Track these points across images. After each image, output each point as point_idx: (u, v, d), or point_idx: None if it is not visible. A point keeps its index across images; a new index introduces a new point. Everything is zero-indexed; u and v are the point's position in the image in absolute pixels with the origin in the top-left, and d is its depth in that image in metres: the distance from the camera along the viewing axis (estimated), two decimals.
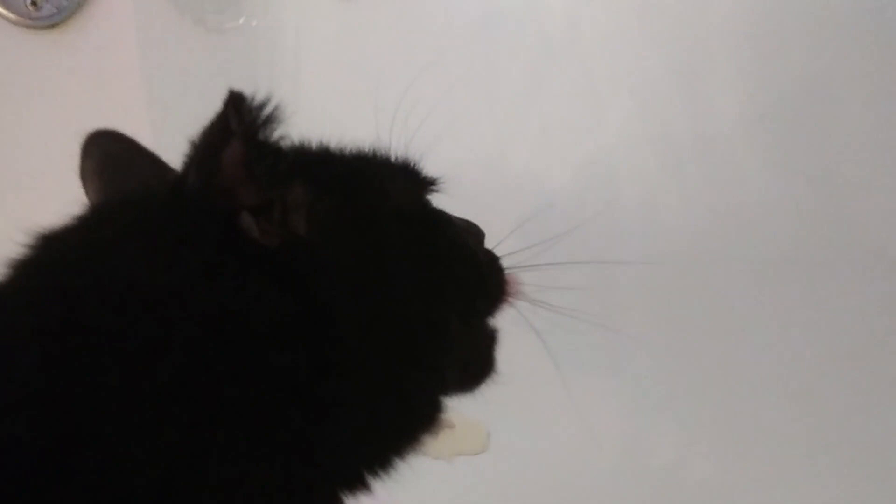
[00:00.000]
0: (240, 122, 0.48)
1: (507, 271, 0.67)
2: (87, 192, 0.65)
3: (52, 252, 0.52)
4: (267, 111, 0.50)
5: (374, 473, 0.56)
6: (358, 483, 0.56)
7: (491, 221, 0.68)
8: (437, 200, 0.65)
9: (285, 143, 0.53)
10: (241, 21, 1.24)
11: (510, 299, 0.66)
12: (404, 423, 0.58)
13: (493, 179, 1.08)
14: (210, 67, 1.24)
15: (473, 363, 0.66)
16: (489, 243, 0.68)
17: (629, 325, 0.94)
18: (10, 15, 1.26)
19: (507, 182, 1.08)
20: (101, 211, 0.58)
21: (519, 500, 1.11)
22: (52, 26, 1.26)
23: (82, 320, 0.47)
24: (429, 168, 0.64)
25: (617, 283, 0.94)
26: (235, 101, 0.48)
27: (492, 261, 0.67)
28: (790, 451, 0.97)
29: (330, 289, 0.52)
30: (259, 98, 0.49)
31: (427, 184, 0.65)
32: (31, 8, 1.26)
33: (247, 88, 0.50)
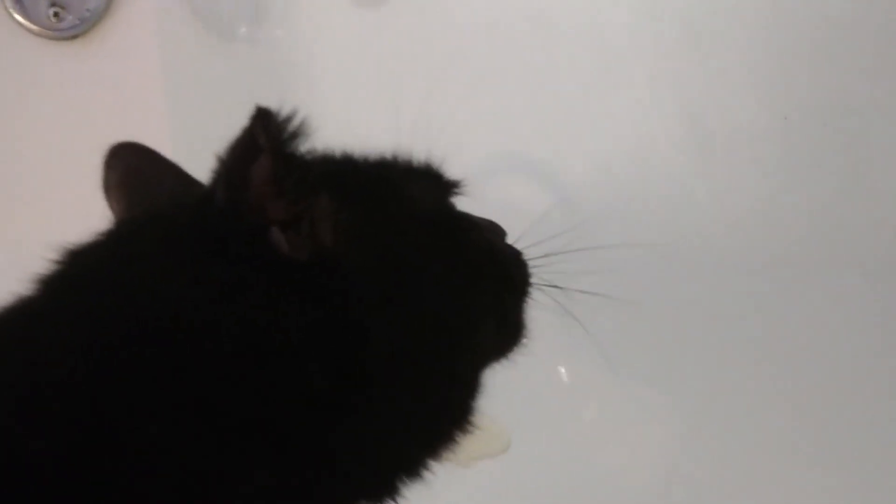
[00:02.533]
0: (267, 137, 0.48)
1: (531, 263, 0.67)
2: (110, 205, 0.65)
3: (80, 268, 0.52)
4: (294, 125, 0.50)
5: (408, 479, 0.57)
6: (388, 491, 0.56)
7: (513, 216, 0.68)
8: (459, 200, 0.66)
9: (311, 156, 0.53)
10: (263, 31, 1.26)
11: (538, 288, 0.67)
12: (439, 429, 0.58)
13: (513, 175, 1.10)
14: (232, 77, 1.25)
15: (505, 335, 0.66)
16: (511, 238, 0.68)
17: (653, 309, 0.94)
18: (32, 26, 1.25)
19: (528, 176, 1.09)
20: (129, 227, 0.58)
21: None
22: (74, 37, 1.26)
23: (111, 337, 0.46)
24: (450, 171, 0.65)
25: (638, 267, 0.94)
26: (263, 117, 0.48)
27: (515, 256, 0.67)
28: (797, 450, 0.98)
29: (360, 299, 0.52)
30: (285, 112, 0.49)
31: (450, 187, 0.65)
32: (52, 19, 1.26)
33: (271, 101, 0.49)
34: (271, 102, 0.50)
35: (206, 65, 1.26)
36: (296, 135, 0.50)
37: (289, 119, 0.50)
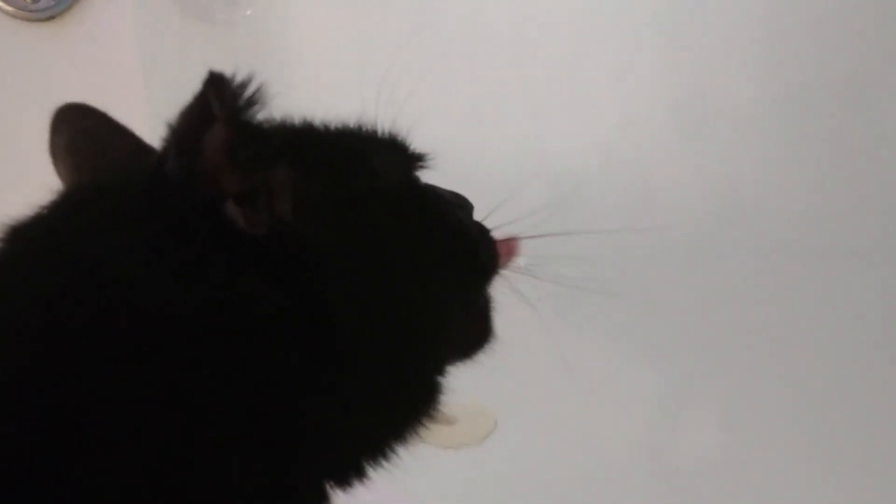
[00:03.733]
0: (222, 104, 0.45)
1: (499, 242, 0.64)
2: (57, 170, 0.61)
3: (23, 246, 0.49)
4: (249, 92, 0.46)
5: (374, 462, 0.54)
6: (355, 473, 0.53)
7: (483, 193, 0.65)
8: (426, 173, 0.62)
9: (268, 124, 0.49)
10: (240, 13, 1.23)
11: (504, 270, 0.64)
12: (404, 409, 0.56)
13: (485, 150, 1.07)
14: (208, 59, 1.23)
15: (472, 331, 0.63)
16: (479, 214, 0.65)
17: (628, 296, 0.92)
18: (8, 7, 1.22)
19: (499, 152, 1.07)
20: (73, 199, 0.54)
21: (523, 488, 1.11)
22: (50, 18, 1.24)
23: (58, 321, 0.44)
24: (417, 142, 0.61)
25: (612, 252, 0.92)
26: (216, 83, 0.45)
27: (482, 233, 0.64)
28: (791, 432, 0.97)
29: (321, 276, 0.49)
30: (241, 78, 0.46)
31: (415, 159, 0.61)
32: (28, 0, 1.26)
33: (228, 69, 0.46)
34: (227, 70, 0.47)
35: (183, 46, 1.23)
36: (252, 102, 0.47)
37: (244, 85, 0.46)
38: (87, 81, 1.24)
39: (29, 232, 0.50)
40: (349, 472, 0.53)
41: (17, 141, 1.23)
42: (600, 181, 0.99)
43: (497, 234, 0.64)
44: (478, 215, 0.65)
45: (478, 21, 1.10)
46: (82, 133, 0.61)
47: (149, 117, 1.22)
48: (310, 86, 1.18)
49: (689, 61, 0.99)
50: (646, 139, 1.00)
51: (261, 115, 0.48)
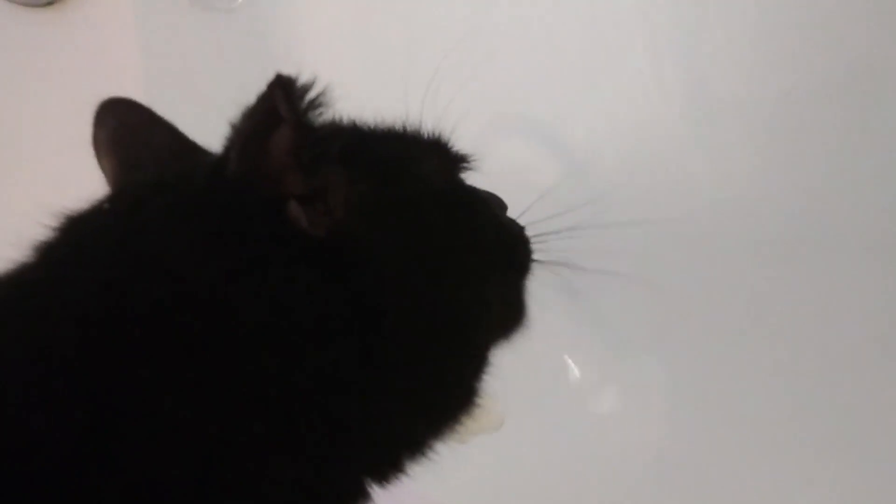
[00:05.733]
0: (290, 107, 0.45)
1: (533, 239, 0.64)
2: (101, 164, 0.60)
3: (82, 237, 0.49)
4: (313, 95, 0.47)
5: (413, 459, 0.54)
6: (394, 469, 0.53)
7: (516, 190, 0.65)
8: (469, 174, 0.62)
9: (328, 127, 0.49)
10: (240, 0, 1.22)
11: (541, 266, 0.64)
12: (446, 408, 0.56)
13: (515, 150, 1.07)
14: (208, 47, 1.20)
15: (507, 318, 0.63)
16: (513, 213, 0.65)
17: (655, 286, 0.93)
18: None
19: (530, 152, 1.07)
20: (131, 194, 0.54)
21: (531, 480, 1.11)
22: (49, 4, 1.21)
23: (118, 311, 0.43)
24: (459, 144, 0.61)
25: (644, 245, 0.93)
26: (283, 85, 0.45)
27: (518, 231, 0.64)
28: (801, 428, 0.98)
29: (373, 276, 0.49)
30: (304, 80, 0.46)
31: (459, 161, 0.61)
32: None
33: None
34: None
35: (183, 33, 1.20)
36: (316, 104, 0.47)
37: (308, 87, 0.47)
38: (86, 68, 1.22)
39: (87, 224, 0.49)
40: (389, 469, 0.53)
41: (16, 127, 1.21)
42: (619, 175, 0.99)
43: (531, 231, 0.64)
44: (512, 212, 0.65)
45: (490, 22, 1.09)
46: (125, 127, 0.60)
47: (146, 103, 1.20)
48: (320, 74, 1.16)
49: (700, 54, 0.99)
50: (660, 136, 1.00)
51: (324, 117, 0.48)
